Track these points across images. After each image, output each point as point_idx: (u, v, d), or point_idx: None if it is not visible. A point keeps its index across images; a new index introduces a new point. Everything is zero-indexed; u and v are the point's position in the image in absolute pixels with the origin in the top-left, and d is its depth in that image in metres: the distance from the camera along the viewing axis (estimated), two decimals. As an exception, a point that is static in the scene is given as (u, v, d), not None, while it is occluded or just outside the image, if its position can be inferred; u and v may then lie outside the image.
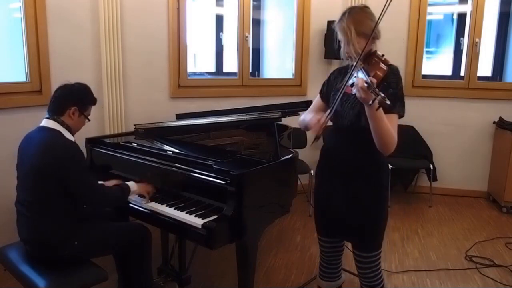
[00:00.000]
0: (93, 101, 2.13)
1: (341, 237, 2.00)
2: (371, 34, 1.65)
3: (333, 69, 2.01)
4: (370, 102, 1.46)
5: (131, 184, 2.14)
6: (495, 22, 4.68)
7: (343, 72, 1.86)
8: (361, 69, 1.61)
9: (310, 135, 1.94)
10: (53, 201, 1.91)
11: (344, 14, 1.74)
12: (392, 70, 1.71)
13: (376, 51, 1.70)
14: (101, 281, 1.94)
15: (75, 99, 2.04)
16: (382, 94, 1.41)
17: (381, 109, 1.52)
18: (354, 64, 1.64)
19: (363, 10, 1.74)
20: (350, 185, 1.82)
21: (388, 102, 1.41)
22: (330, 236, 2.00)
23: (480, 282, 2.81)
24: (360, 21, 1.70)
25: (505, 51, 4.67)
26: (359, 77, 1.55)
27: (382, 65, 1.65)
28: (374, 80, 1.51)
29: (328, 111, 1.72)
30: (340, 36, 1.74)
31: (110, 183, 2.27)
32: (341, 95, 1.68)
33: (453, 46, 4.90)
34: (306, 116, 1.87)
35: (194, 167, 2.10)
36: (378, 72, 1.62)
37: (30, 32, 2.97)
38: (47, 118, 2.01)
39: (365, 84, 1.46)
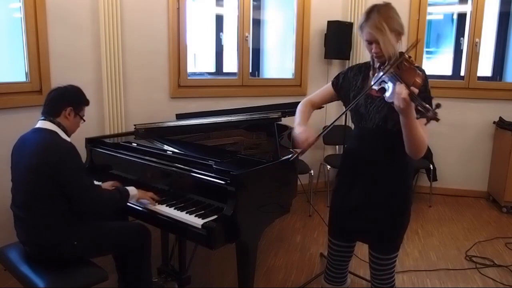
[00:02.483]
0: (86, 101, 2.14)
1: (358, 238, 1.95)
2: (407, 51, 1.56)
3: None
4: (418, 116, 1.39)
5: (131, 189, 2.10)
6: (495, 22, 4.68)
7: (363, 71, 1.80)
8: (395, 75, 1.51)
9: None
10: (51, 202, 1.90)
11: (370, 12, 1.63)
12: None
13: (403, 52, 1.59)
14: (101, 281, 1.94)
15: (70, 99, 2.05)
16: (432, 109, 1.34)
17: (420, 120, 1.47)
18: (385, 70, 1.55)
19: (388, 6, 1.65)
20: (374, 187, 1.78)
21: (439, 118, 1.34)
22: (343, 239, 1.95)
23: (480, 282, 2.81)
24: (390, 16, 1.61)
25: (505, 51, 4.67)
26: (396, 85, 1.46)
27: (419, 72, 1.54)
28: (416, 90, 1.44)
29: (319, 133, 1.69)
30: (371, 35, 1.61)
31: (107, 184, 2.27)
32: (364, 96, 1.64)
33: (453, 46, 4.90)
34: (301, 111, 1.86)
35: (194, 167, 2.10)
36: (417, 80, 1.50)
37: (30, 32, 2.97)
38: (42, 119, 2.01)
39: (408, 95, 1.39)
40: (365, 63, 1.83)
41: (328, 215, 2.00)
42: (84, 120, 2.14)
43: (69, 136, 2.04)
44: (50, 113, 2.01)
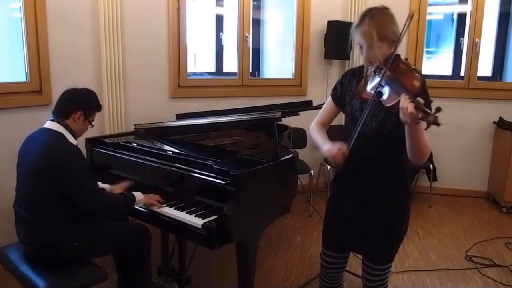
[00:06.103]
0: (98, 107, 2.14)
1: (353, 249, 1.90)
2: (399, 39, 1.52)
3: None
4: (418, 121, 1.34)
5: (137, 194, 2.07)
6: (495, 22, 4.69)
7: (357, 75, 1.76)
8: (392, 80, 1.46)
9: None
10: (52, 203, 1.90)
11: (364, 16, 1.59)
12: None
13: (399, 55, 1.55)
14: (101, 281, 1.94)
15: (81, 103, 2.04)
16: (433, 113, 1.28)
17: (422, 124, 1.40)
18: (382, 74, 1.52)
19: (384, 12, 1.60)
20: (371, 195, 1.71)
21: (440, 123, 1.27)
22: (337, 249, 1.88)
23: (480, 282, 2.81)
24: (383, 24, 1.57)
25: (505, 51, 4.68)
26: (401, 98, 1.38)
27: (416, 74, 1.49)
28: (422, 101, 1.35)
29: (349, 141, 1.59)
30: (360, 41, 1.60)
31: (117, 187, 2.23)
32: (359, 101, 1.61)
33: (453, 46, 4.90)
34: (318, 132, 1.78)
35: (194, 167, 2.10)
36: (415, 83, 1.44)
37: (30, 32, 2.97)
38: (51, 120, 2.00)
39: (414, 109, 1.31)
40: (360, 67, 1.78)
41: (323, 225, 1.93)
42: (93, 125, 2.13)
43: (75, 139, 2.03)
44: (59, 114, 2.00)
